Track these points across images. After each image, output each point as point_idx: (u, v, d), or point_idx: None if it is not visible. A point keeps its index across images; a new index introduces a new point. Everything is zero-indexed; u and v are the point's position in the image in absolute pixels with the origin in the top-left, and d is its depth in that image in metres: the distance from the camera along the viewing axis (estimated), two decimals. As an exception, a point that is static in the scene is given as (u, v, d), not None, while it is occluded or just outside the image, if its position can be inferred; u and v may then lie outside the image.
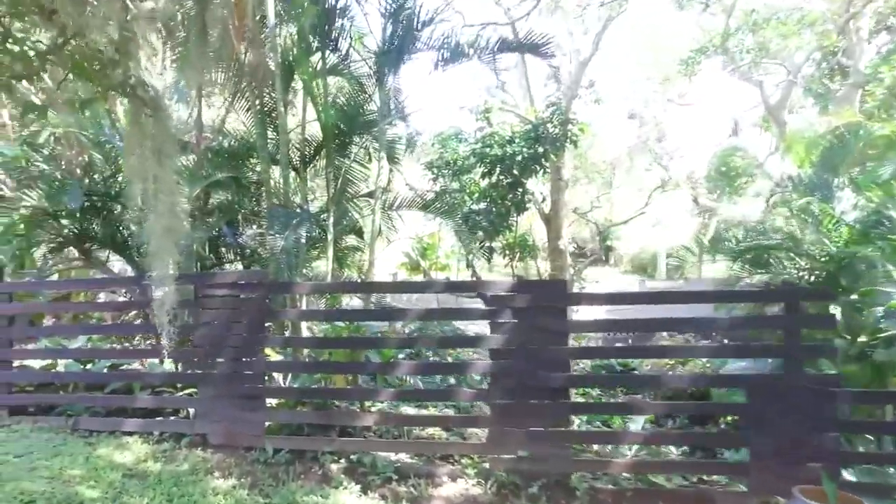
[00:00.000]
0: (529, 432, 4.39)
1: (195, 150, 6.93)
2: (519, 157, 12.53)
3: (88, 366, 5.86)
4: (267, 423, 4.82)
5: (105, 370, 5.75)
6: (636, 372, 6.42)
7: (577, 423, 4.89)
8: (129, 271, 10.53)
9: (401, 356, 6.03)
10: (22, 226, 7.93)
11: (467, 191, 13.16)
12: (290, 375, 5.44)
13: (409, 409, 5.20)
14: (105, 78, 2.60)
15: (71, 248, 8.64)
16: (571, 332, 4.74)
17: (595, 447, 4.71)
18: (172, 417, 5.39)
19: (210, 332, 4.98)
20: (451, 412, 5.22)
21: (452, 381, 5.65)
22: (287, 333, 5.99)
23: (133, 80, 2.58)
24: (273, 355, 5.52)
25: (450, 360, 6.87)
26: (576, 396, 5.71)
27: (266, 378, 4.96)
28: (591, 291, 13.44)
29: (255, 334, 4.87)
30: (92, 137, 8.64)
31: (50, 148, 8.47)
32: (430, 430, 4.98)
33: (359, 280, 10.27)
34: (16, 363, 5.64)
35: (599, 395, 5.87)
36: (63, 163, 8.83)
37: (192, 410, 5.11)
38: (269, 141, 7.94)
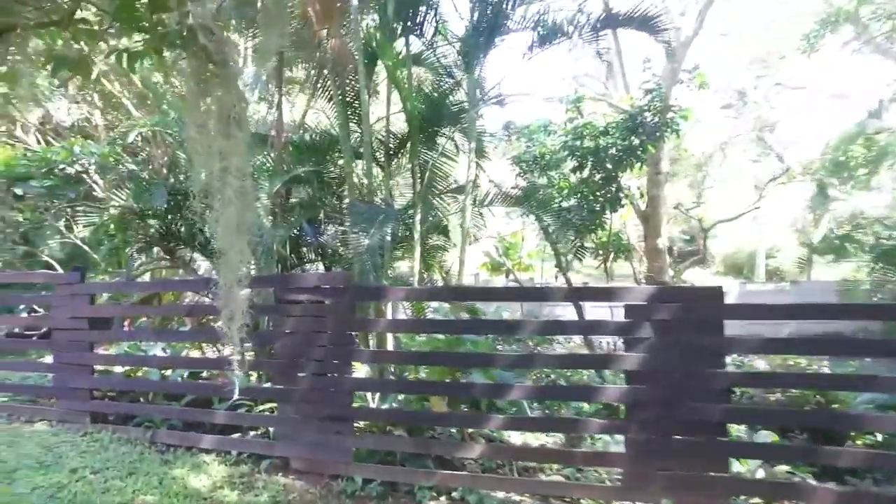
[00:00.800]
0: (676, 476, 3.44)
1: (276, 144, 6.45)
2: (613, 150, 11.42)
3: (168, 371, 5.46)
4: (353, 449, 4.15)
5: (181, 379, 5.31)
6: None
7: (741, 468, 3.85)
8: (215, 271, 10.44)
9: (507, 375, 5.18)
10: (112, 226, 7.83)
11: (556, 187, 12.20)
12: (376, 395, 4.75)
13: (522, 440, 4.36)
14: (156, 23, 1.98)
15: (157, 247, 8.51)
16: (729, 352, 3.73)
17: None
18: (252, 433, 4.86)
19: (291, 342, 4.39)
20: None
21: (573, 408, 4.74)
22: (372, 345, 5.32)
23: (193, 24, 1.95)
24: (358, 370, 4.86)
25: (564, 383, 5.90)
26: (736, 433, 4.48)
27: (353, 397, 4.28)
28: (749, 303, 12.03)
29: (341, 346, 4.21)
30: (176, 136, 8.45)
31: (137, 147, 8.36)
32: (549, 467, 4.12)
33: (445, 283, 9.55)
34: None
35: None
36: (150, 163, 8.72)
37: (272, 430, 4.53)
38: (351, 133, 7.39)
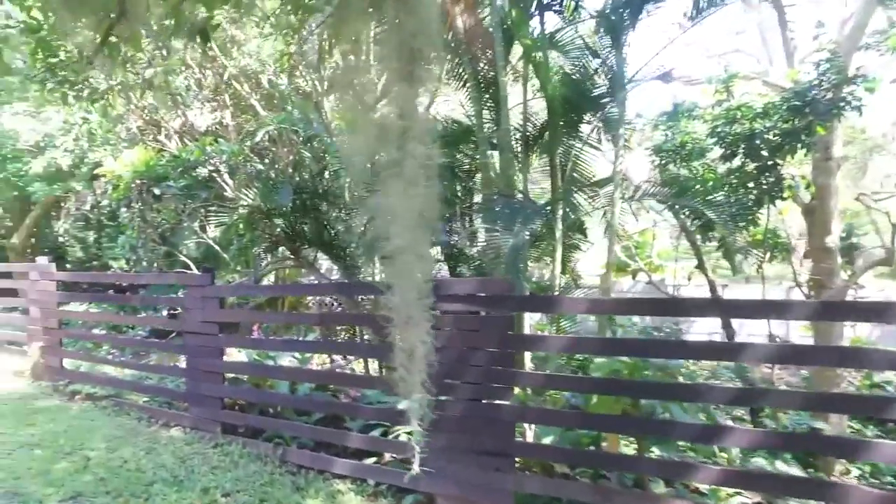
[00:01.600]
0: None
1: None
2: (770, 134, 9.76)
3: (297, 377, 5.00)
4: (514, 492, 3.34)
5: (309, 393, 4.81)
6: None
7: None
8: (335, 272, 10.18)
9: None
10: (241, 225, 7.69)
11: (699, 178, 10.73)
12: (531, 426, 3.91)
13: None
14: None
15: (282, 247, 8.31)
16: None
17: None
18: (391, 456, 4.24)
19: (439, 360, 3.66)
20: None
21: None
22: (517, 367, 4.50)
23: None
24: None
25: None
26: None
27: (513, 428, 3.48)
28: None
29: (500, 367, 3.42)
30: (302, 134, 8.19)
31: (264, 148, 8.20)
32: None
33: (577, 287, 8.54)
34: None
35: None
36: (276, 162, 8.55)
37: (416, 462, 3.83)
38: (485, 121, 6.65)
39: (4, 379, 6.35)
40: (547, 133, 6.95)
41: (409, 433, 4.31)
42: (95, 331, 7.50)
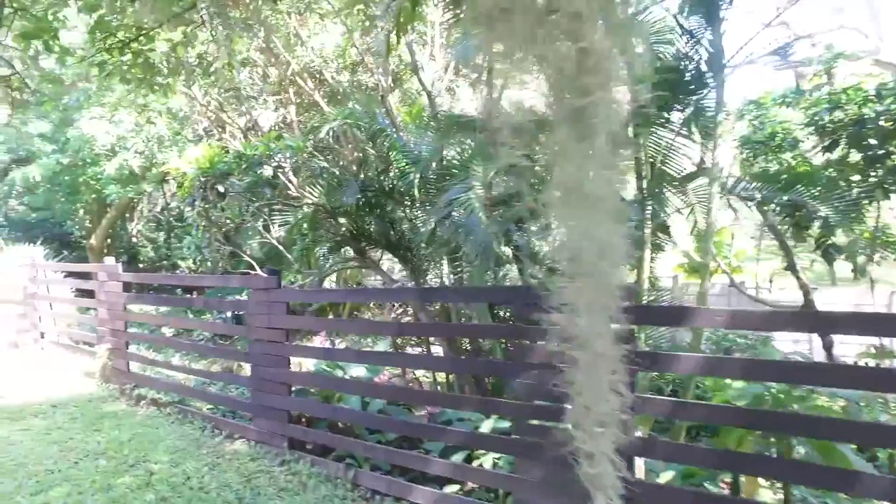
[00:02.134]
0: None
1: (487, 126, 5.30)
2: (882, 119, 8.65)
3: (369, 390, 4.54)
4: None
5: (382, 409, 4.35)
6: None
7: None
8: (395, 272, 9.78)
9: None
10: (305, 225, 7.39)
11: (792, 171, 9.67)
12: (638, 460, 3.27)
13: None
14: None
15: (347, 247, 7.97)
16: None
17: None
18: (476, 486, 3.71)
19: (537, 378, 3.13)
20: None
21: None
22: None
23: None
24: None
25: None
26: None
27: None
28: None
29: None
30: (367, 129, 7.80)
31: (328, 145, 7.87)
32: None
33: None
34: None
35: None
36: (340, 160, 8.21)
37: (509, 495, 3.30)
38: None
39: (75, 380, 6.28)
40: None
41: (496, 460, 3.78)
42: (164, 332, 7.41)
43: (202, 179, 5.84)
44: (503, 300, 3.75)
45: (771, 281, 17.05)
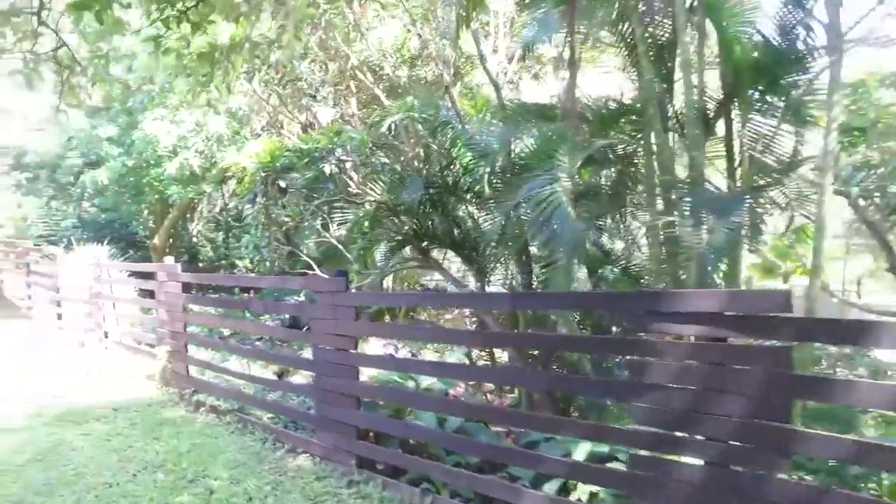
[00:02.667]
0: None
1: (570, 113, 4.74)
2: None
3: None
4: None
5: (461, 427, 3.84)
6: None
7: None
8: (452, 271, 9.27)
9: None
10: (366, 223, 7.00)
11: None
12: None
13: None
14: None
15: (409, 246, 7.53)
16: None
17: None
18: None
19: (662, 402, 2.56)
20: None
21: None
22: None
23: None
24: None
25: None
26: None
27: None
28: None
29: (769, 421, 2.23)
30: (430, 122, 7.33)
31: (388, 140, 7.46)
32: None
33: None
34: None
35: None
36: (401, 155, 7.79)
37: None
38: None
39: (136, 382, 6.09)
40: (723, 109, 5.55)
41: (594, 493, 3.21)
42: (220, 335, 7.20)
43: (263, 174, 5.52)
44: (620, 307, 3.17)
45: (859, 283, 15.60)
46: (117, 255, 13.72)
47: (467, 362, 4.98)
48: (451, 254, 7.58)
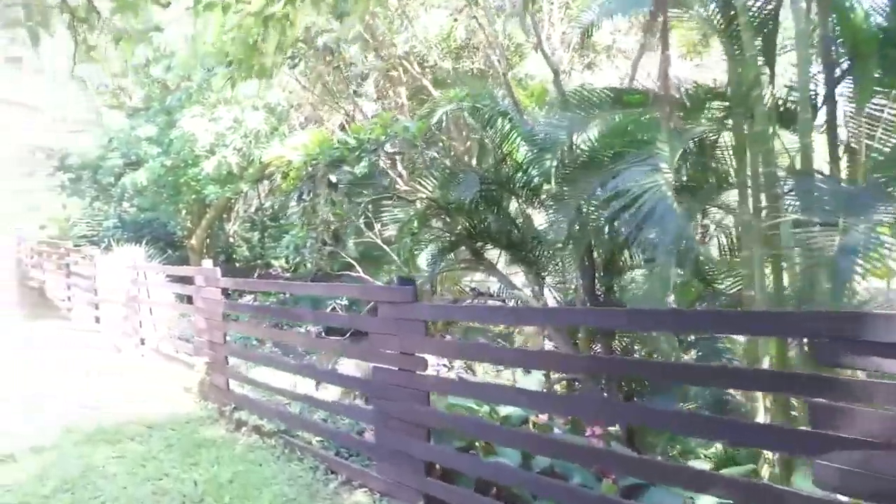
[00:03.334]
0: None
1: (663, 96, 4.01)
2: None
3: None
4: None
5: (547, 469, 3.15)
6: None
7: None
8: (509, 275, 8.56)
9: None
10: (415, 222, 6.38)
11: None
12: None
13: None
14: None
15: (461, 246, 6.87)
16: None
17: None
18: None
19: (861, 462, 1.84)
20: None
21: None
22: None
23: None
24: None
25: None
26: None
27: None
28: None
29: None
30: (484, 114, 6.66)
31: (436, 135, 6.81)
32: None
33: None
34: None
35: None
36: (451, 150, 7.14)
37: None
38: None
39: (173, 394, 5.58)
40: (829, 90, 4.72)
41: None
42: (265, 349, 6.63)
43: (310, 169, 4.94)
44: (793, 329, 2.45)
45: None
46: (156, 256, 13.47)
47: (545, 388, 4.28)
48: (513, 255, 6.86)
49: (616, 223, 5.53)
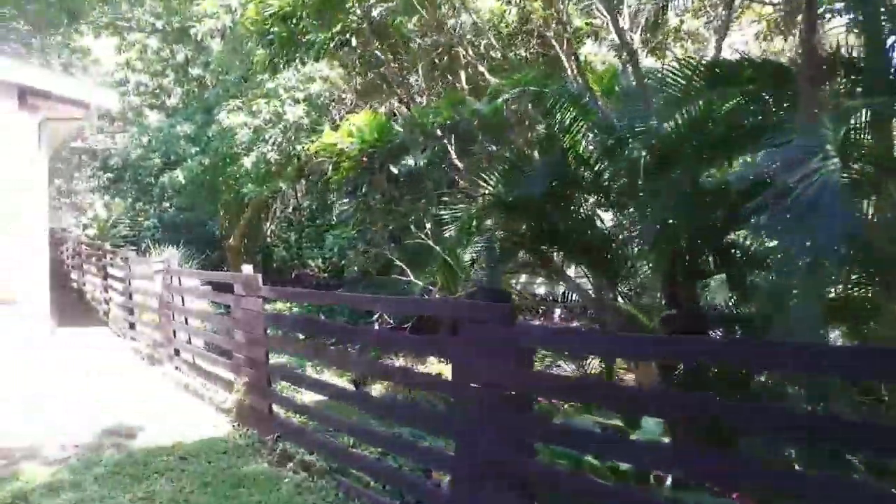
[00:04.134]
0: None
1: (810, 67, 3.09)
2: None
3: None
4: None
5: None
6: None
7: None
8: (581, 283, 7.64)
9: None
10: (474, 221, 5.58)
11: None
12: None
13: None
14: None
15: (526, 250, 6.04)
16: None
17: None
18: None
19: None
20: None
21: None
22: None
23: None
24: None
25: None
26: None
27: None
28: None
29: None
30: (551, 99, 5.78)
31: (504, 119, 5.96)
32: None
33: None
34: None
35: None
36: (511, 141, 6.29)
37: None
38: None
39: (209, 416, 4.89)
40: None
41: None
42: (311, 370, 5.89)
43: (367, 158, 4.19)
44: None
45: None
46: (194, 256, 13.08)
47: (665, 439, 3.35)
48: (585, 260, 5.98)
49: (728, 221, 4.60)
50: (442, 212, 5.27)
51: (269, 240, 17.23)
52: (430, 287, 6.88)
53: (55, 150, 10.10)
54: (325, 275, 16.48)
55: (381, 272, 8.51)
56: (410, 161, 4.20)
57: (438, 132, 4.15)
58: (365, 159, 4.23)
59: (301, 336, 5.53)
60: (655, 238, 4.88)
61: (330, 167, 4.77)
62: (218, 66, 11.09)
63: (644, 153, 4.75)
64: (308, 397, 4.69)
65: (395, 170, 4.11)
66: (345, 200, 5.41)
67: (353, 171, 4.35)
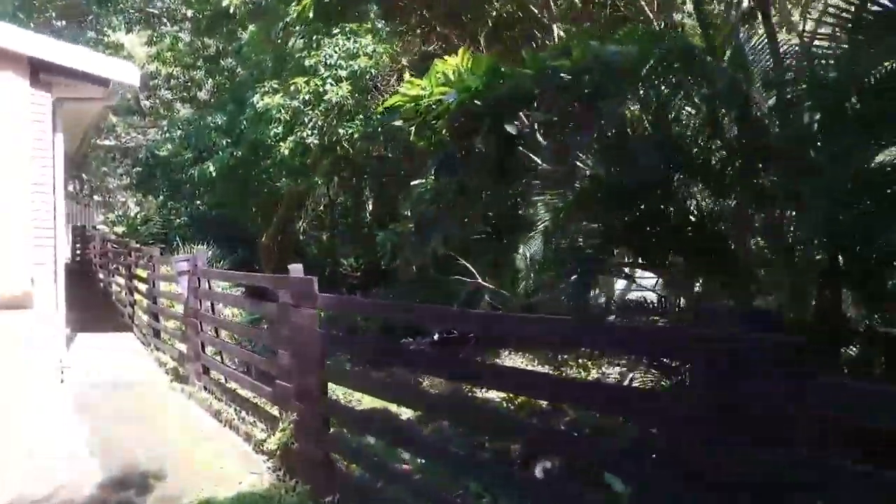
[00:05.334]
0: None
1: None
2: None
3: None
4: None
5: None
6: None
7: None
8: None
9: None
10: (568, 209, 4.39)
11: None
12: None
13: None
14: None
15: (621, 245, 4.83)
16: None
17: None
18: None
19: None
20: None
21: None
22: None
23: None
24: None
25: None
26: None
27: None
28: None
29: None
30: (660, 58, 4.53)
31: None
32: None
33: None
34: None
35: None
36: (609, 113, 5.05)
37: None
38: None
39: (244, 460, 3.77)
40: None
41: None
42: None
43: (466, 116, 2.99)
44: None
45: None
46: (226, 255, 12.19)
47: None
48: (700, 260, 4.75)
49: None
50: (535, 198, 4.09)
51: (301, 237, 16.35)
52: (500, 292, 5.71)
53: (81, 141, 9.22)
54: (358, 274, 15.50)
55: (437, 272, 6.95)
56: (514, 124, 3.06)
57: (563, 81, 2.95)
58: (461, 121, 3.01)
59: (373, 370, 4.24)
60: (816, 230, 3.62)
61: (412, 130, 3.62)
62: (251, 48, 10.11)
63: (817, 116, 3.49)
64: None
65: (511, 129, 2.95)
66: (420, 181, 4.23)
67: (448, 132, 3.21)
